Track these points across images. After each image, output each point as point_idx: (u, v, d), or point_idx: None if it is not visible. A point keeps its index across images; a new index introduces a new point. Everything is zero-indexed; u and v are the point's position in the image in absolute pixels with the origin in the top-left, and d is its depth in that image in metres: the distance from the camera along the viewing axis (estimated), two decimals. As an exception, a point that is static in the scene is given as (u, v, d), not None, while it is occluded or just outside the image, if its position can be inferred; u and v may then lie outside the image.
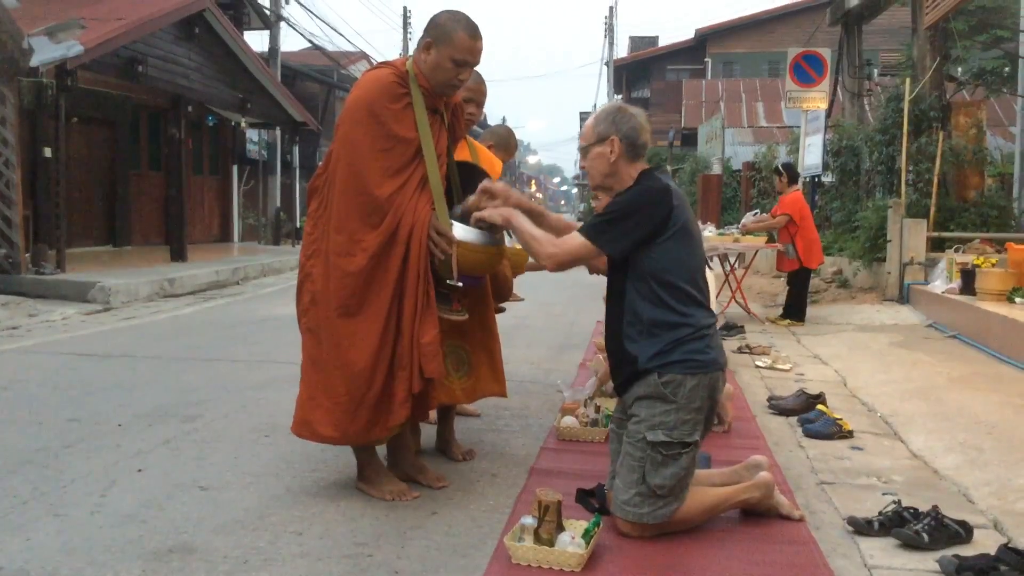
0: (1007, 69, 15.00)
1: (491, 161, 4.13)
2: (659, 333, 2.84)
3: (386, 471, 3.32)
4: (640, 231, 2.83)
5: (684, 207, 2.93)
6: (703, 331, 2.87)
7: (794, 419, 4.54)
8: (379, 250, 3.03)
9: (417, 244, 3.03)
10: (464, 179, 3.43)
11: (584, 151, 3.03)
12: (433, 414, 3.97)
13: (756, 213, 9.72)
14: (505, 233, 3.27)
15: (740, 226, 9.04)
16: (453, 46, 3.03)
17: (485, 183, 3.12)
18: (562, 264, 2.93)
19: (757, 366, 6.12)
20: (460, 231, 3.09)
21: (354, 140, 3.05)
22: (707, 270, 6.16)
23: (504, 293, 3.94)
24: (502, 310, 4.11)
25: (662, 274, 2.84)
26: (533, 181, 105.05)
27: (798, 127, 12.50)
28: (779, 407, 4.76)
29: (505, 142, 4.49)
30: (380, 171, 3.03)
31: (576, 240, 2.91)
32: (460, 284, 3.12)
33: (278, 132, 19.52)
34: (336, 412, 3.11)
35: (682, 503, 2.84)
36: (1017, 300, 6.60)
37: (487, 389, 3.66)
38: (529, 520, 2.72)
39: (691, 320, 2.85)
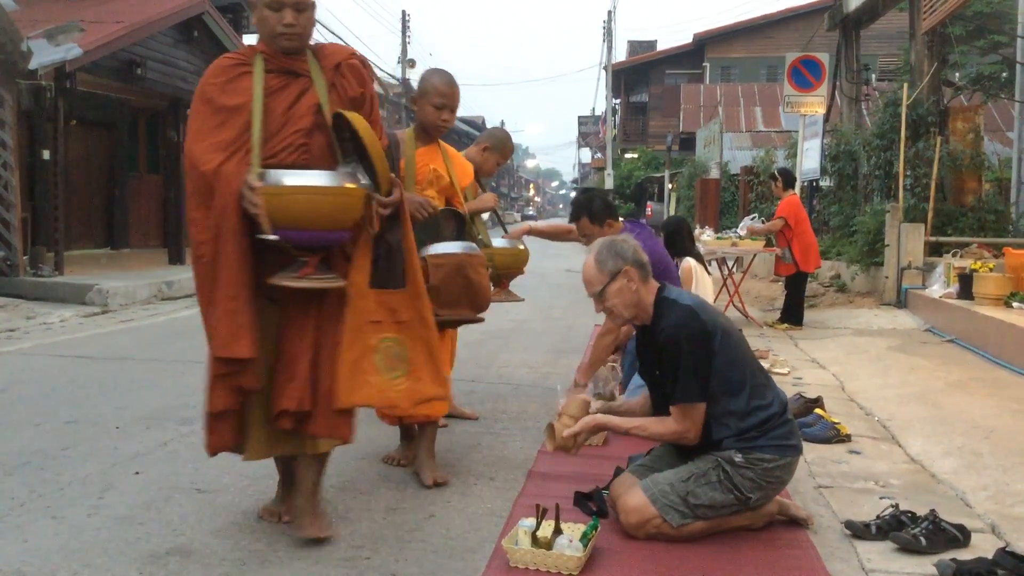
0: (1004, 74, 15.06)
1: (463, 166, 4.07)
2: (739, 423, 2.87)
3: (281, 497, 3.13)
4: (707, 364, 2.84)
5: (705, 308, 2.96)
6: (783, 415, 2.94)
7: (792, 423, 4.54)
8: (216, 230, 2.72)
9: (235, 211, 2.69)
10: (340, 132, 2.90)
11: (600, 294, 2.95)
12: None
13: (754, 217, 9.72)
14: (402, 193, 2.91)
15: (737, 231, 9.06)
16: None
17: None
18: (699, 429, 2.86)
19: (755, 370, 6.10)
20: (285, 177, 2.69)
21: (189, 128, 2.88)
22: (705, 274, 6.25)
23: (480, 302, 3.67)
24: (480, 320, 3.81)
25: (726, 384, 2.86)
26: (532, 185, 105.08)
27: (796, 131, 12.50)
28: (777, 411, 4.75)
29: (501, 144, 4.49)
30: (209, 148, 2.77)
31: (688, 411, 2.84)
32: (275, 237, 2.66)
33: (276, 135, 19.49)
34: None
35: (695, 521, 2.85)
36: (1015, 304, 6.61)
37: (427, 391, 3.10)
38: (527, 523, 2.72)
39: (769, 408, 2.91)
